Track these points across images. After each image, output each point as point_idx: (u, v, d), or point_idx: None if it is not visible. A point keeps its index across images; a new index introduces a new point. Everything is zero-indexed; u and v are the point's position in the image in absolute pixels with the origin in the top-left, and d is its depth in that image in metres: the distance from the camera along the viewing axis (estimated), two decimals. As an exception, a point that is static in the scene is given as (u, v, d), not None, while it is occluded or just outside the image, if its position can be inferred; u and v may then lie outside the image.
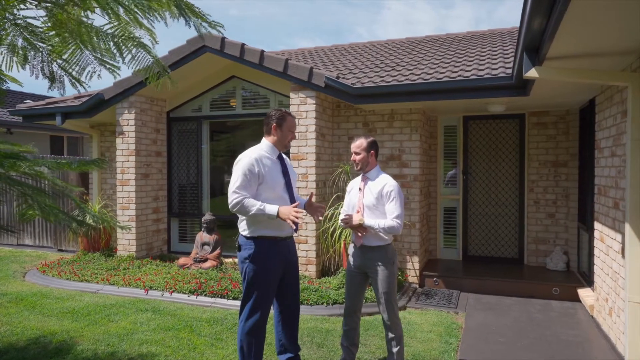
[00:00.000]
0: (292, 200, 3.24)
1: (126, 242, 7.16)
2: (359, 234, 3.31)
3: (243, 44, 6.39)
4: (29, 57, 2.07)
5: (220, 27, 2.47)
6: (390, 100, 5.88)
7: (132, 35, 2.23)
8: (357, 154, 3.40)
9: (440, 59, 6.72)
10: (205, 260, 6.47)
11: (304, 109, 6.13)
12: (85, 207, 3.04)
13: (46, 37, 2.05)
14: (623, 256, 3.79)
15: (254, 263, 3.13)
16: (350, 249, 3.51)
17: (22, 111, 7.89)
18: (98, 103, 7.25)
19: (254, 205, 3.03)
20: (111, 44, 2.17)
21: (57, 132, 15.11)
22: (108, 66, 2.33)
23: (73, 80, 2.27)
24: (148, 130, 7.37)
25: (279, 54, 9.72)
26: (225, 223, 7.32)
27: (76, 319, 4.69)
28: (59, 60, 2.16)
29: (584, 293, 5.44)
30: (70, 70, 2.22)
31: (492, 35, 8.45)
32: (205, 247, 6.64)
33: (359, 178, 3.55)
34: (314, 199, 3.29)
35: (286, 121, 3.26)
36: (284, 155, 3.41)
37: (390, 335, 3.34)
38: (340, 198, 6.18)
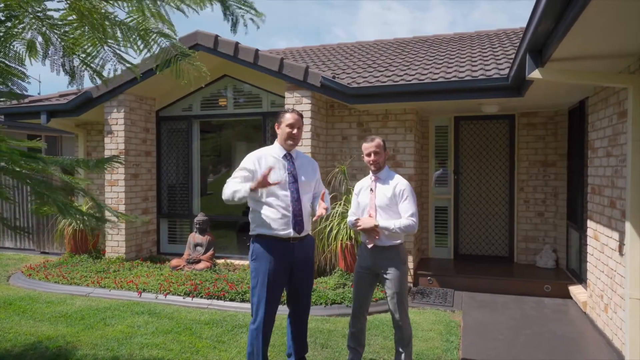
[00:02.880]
0: (298, 199, 3.21)
1: (115, 244, 7.00)
2: (375, 237, 3.28)
3: (237, 43, 6.32)
4: (50, 52, 2.00)
5: (264, 16, 2.37)
6: (386, 100, 5.90)
7: (158, 30, 2.17)
8: (377, 154, 3.34)
9: (432, 60, 6.78)
10: (199, 261, 6.38)
11: (299, 108, 6.10)
12: (104, 205, 3.02)
13: (67, 30, 1.97)
14: (620, 254, 3.88)
15: (255, 261, 3.19)
16: (360, 250, 3.50)
17: (4, 109, 7.63)
18: (85, 101, 7.06)
19: (235, 186, 3.09)
20: (135, 35, 2.11)
21: (34, 131, 14.65)
22: (128, 65, 2.26)
23: (94, 75, 2.18)
24: (137, 130, 7.22)
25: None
26: (217, 224, 7.24)
27: (70, 324, 4.56)
28: (81, 55, 2.08)
29: (575, 290, 5.57)
30: (93, 64, 2.14)
31: (480, 37, 8.57)
32: (198, 248, 6.55)
33: (367, 178, 3.51)
34: (326, 196, 3.28)
35: (282, 118, 3.30)
36: (301, 155, 3.40)
37: (400, 335, 3.33)
38: (336, 198, 6.17)
